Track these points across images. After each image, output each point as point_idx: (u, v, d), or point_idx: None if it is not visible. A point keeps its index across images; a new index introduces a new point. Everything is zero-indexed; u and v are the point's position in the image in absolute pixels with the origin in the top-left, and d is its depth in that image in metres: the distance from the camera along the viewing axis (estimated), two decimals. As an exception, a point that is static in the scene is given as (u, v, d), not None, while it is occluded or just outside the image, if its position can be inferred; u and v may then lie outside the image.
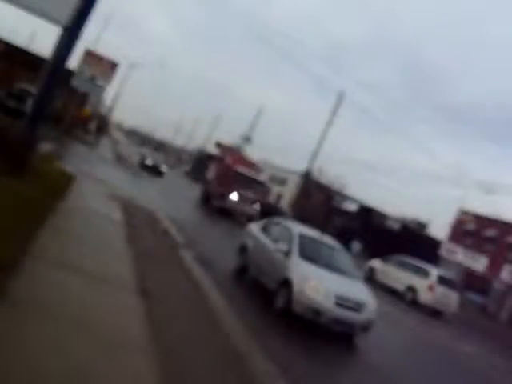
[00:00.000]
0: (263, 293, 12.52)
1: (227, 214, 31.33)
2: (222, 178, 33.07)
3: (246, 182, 32.21)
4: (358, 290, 11.89)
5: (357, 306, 11.10)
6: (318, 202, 55.90)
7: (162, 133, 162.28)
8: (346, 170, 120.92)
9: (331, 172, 61.54)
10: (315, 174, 57.92)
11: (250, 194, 31.91)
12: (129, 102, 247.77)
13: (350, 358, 11.04)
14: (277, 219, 15.53)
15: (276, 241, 13.11)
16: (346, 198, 61.10)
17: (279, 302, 11.34)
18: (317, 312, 10.63)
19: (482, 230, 51.59)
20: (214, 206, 32.10)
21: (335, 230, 51.39)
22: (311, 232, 13.86)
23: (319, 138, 52.50)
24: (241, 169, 32.93)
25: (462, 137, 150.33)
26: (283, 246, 12.37)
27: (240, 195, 31.25)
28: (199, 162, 76.69)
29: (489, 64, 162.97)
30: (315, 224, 40.82)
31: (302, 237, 12.77)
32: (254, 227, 15.23)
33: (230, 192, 31.06)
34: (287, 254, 12.04)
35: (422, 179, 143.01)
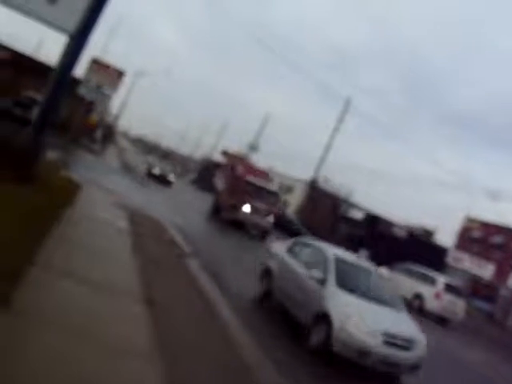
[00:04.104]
0: (292, 323, 11.40)
1: (239, 226, 29.69)
2: (233, 188, 31.68)
3: (259, 193, 30.76)
4: (405, 324, 10.80)
5: (406, 344, 9.88)
6: (324, 210, 55.79)
7: (169, 141, 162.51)
8: (351, 178, 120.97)
9: (337, 180, 61.41)
10: (321, 181, 57.88)
11: (263, 206, 30.29)
12: (135, 111, 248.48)
13: None
14: (306, 239, 14.21)
15: (307, 265, 11.73)
16: (352, 205, 60.97)
17: (314, 338, 9.97)
18: (362, 352, 9.35)
19: (488, 237, 51.43)
20: (225, 218, 30.64)
21: (342, 238, 51.31)
22: (347, 255, 12.50)
23: (325, 145, 52.56)
24: (252, 179, 31.61)
25: (467, 143, 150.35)
26: (317, 273, 10.95)
27: (253, 207, 29.71)
28: (205, 171, 76.67)
29: (493, 69, 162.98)
30: (322, 232, 40.64)
31: (339, 262, 11.36)
32: (279, 248, 13.85)
33: (242, 203, 29.57)
34: (322, 282, 10.70)
35: (428, 186, 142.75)
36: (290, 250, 13.12)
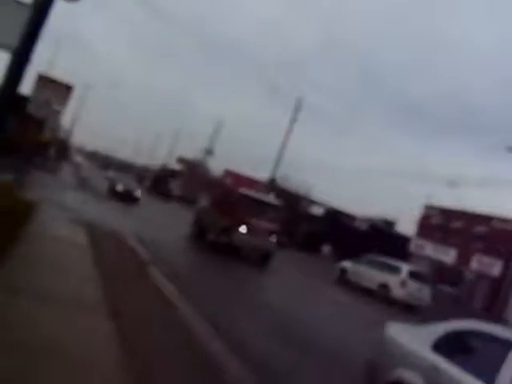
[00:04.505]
0: None
1: (230, 251, 23.78)
2: (224, 205, 25.99)
3: (258, 208, 25.06)
4: None
5: None
6: (284, 209, 56.04)
7: (124, 153, 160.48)
8: (310, 174, 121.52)
9: (297, 177, 61.62)
10: (281, 180, 58.08)
11: (264, 224, 24.64)
12: (88, 124, 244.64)
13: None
14: (480, 326, 6.24)
15: None
16: (312, 202, 61.31)
17: None
18: None
19: (448, 223, 52.33)
20: (215, 243, 25.00)
21: (304, 235, 51.69)
22: None
23: (280, 145, 52.81)
24: (249, 191, 26.36)
25: (422, 133, 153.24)
26: None
27: (253, 226, 23.87)
28: (159, 178, 76.22)
29: (444, 60, 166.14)
30: (284, 231, 40.56)
31: None
32: (409, 336, 7.15)
33: (238, 223, 23.70)
34: None
35: (386, 177, 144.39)
36: (446, 348, 6.25)
